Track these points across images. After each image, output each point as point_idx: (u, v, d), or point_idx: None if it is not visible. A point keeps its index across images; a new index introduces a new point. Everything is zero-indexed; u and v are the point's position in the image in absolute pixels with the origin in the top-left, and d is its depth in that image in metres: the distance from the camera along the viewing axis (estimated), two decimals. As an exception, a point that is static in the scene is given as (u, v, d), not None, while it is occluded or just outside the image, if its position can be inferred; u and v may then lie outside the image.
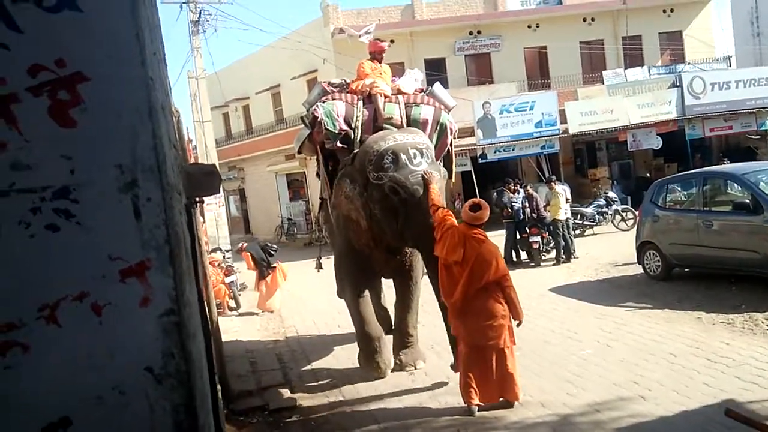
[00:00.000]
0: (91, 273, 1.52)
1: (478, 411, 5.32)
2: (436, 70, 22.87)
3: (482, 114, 19.52)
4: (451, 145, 7.36)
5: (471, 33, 23.52)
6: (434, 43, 22.61)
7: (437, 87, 7.46)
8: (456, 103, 7.66)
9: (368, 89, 6.89)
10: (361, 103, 6.87)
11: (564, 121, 19.92)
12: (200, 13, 17.16)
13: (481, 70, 23.50)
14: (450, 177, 7.25)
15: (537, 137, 19.82)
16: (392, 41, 22.52)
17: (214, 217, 16.62)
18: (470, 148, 19.70)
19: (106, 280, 1.53)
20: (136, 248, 1.54)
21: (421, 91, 7.29)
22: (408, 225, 5.99)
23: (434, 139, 6.84)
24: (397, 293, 7.17)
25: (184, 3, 16.99)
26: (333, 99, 6.93)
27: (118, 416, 1.52)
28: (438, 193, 5.87)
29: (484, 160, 19.76)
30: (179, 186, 1.78)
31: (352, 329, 7.38)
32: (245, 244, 12.16)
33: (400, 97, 6.94)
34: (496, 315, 5.25)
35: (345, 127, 6.73)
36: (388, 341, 7.04)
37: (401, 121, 6.72)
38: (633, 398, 5.32)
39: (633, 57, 24.21)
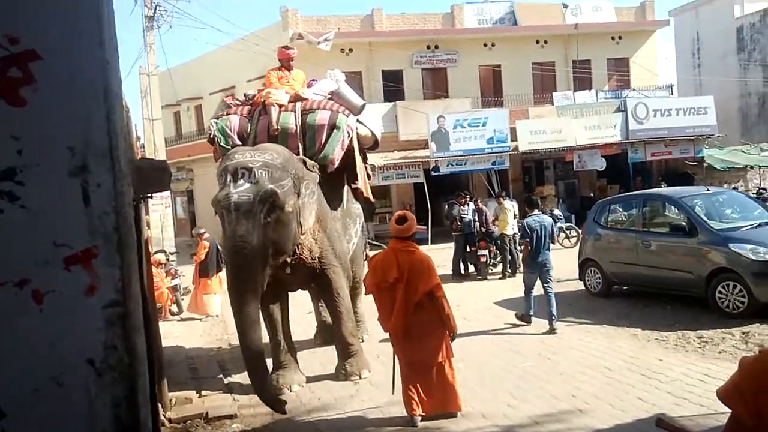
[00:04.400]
0: (33, 259, 1.45)
1: (421, 421, 5.33)
2: (393, 81, 23.05)
3: (436, 127, 19.76)
4: (358, 149, 7.19)
5: (428, 47, 23.82)
6: (392, 54, 22.78)
7: (343, 87, 7.35)
8: (364, 102, 7.39)
9: (263, 100, 6.85)
10: (257, 114, 6.81)
11: (515, 138, 20.35)
12: (155, 8, 16.79)
13: (437, 84, 23.80)
14: (354, 181, 7.12)
15: (488, 153, 20.17)
16: (351, 50, 22.65)
17: (159, 218, 16.19)
18: (423, 160, 19.90)
19: (49, 266, 1.46)
20: (83, 235, 1.48)
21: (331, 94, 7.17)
22: None
23: (333, 144, 6.68)
24: (325, 304, 7.17)
25: (139, -3, 16.60)
26: (228, 114, 6.91)
27: (55, 409, 1.45)
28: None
29: (436, 173, 19.97)
30: (129, 178, 1.73)
31: (299, 338, 7.31)
32: (206, 233, 11.58)
33: (298, 104, 6.82)
34: (431, 331, 5.22)
35: (238, 141, 6.67)
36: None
37: (296, 129, 6.64)
38: (571, 411, 5.44)
39: (582, 80, 24.99)
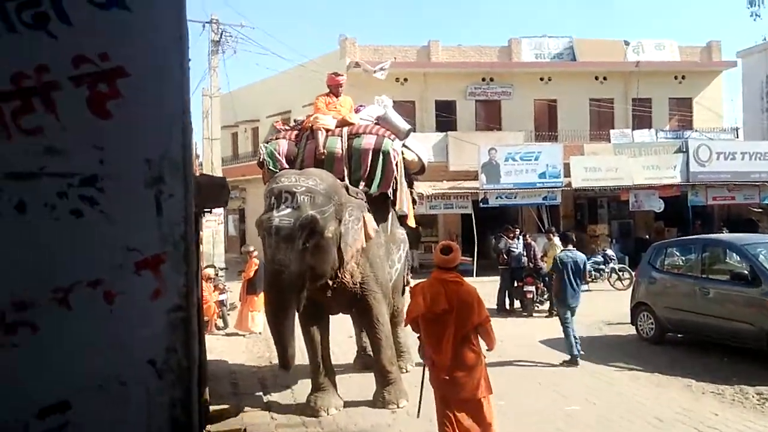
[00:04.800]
0: (108, 261, 1.55)
1: None
2: (446, 112, 23.18)
3: (487, 159, 19.70)
4: (404, 173, 7.24)
5: (484, 79, 23.91)
6: (447, 85, 22.97)
7: (389, 112, 7.45)
8: (410, 126, 7.53)
9: (311, 125, 6.98)
10: (305, 139, 6.95)
11: (568, 174, 20.08)
12: (221, 33, 17.49)
13: (490, 117, 23.81)
14: (396, 204, 7.12)
15: (540, 187, 19.95)
16: (405, 80, 22.95)
17: (212, 234, 16.63)
18: (472, 191, 19.82)
19: (121, 269, 1.56)
20: (154, 242, 1.58)
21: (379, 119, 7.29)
22: None
23: (377, 169, 6.79)
24: (365, 330, 7.19)
25: (207, 23, 17.35)
26: (277, 138, 7.10)
27: (116, 406, 1.53)
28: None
29: (485, 205, 19.85)
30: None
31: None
32: (256, 251, 11.81)
33: (344, 129, 6.94)
34: (472, 365, 5.06)
35: (286, 165, 6.82)
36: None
37: (342, 153, 6.76)
38: (616, 460, 5.26)
39: (641, 118, 24.56)
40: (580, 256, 8.91)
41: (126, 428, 1.54)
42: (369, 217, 6.42)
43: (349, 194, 6.27)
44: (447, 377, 5.08)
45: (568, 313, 8.71)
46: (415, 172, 8.21)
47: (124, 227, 1.57)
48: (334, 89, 7.49)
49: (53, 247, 1.54)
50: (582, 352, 8.56)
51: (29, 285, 1.52)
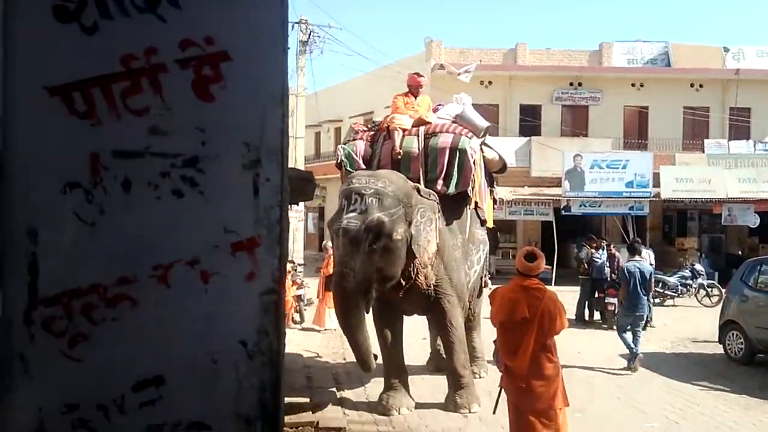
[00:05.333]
0: (205, 241, 1.58)
1: None
2: (530, 116, 22.74)
3: (572, 166, 19.16)
4: (485, 173, 7.12)
5: (571, 84, 23.27)
6: (532, 89, 22.51)
7: (467, 109, 7.32)
8: (489, 124, 7.40)
9: (387, 125, 6.92)
10: (381, 139, 6.91)
11: (657, 184, 19.24)
12: (310, 34, 17.88)
13: (576, 122, 23.15)
14: (476, 205, 7.02)
15: (626, 197, 19.21)
16: (490, 82, 22.67)
17: (292, 231, 17.02)
18: (555, 198, 19.34)
19: (218, 250, 1.59)
20: (250, 224, 1.60)
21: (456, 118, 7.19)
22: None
23: (454, 168, 6.67)
24: (438, 333, 7.09)
25: (296, 23, 17.77)
26: (354, 139, 7.10)
27: (207, 384, 1.56)
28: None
29: (567, 212, 19.32)
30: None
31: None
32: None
33: (421, 128, 6.87)
34: (549, 375, 4.93)
35: (363, 166, 6.84)
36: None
37: (418, 153, 6.69)
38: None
39: (739, 129, 23.20)
40: (647, 267, 9.30)
41: (215, 407, 1.56)
42: (441, 219, 6.35)
43: (420, 195, 6.20)
44: (523, 386, 4.96)
45: (628, 322, 9.01)
46: (496, 170, 8.07)
47: (221, 209, 1.60)
48: (414, 89, 7.46)
49: (155, 226, 1.59)
50: (640, 355, 8.77)
51: (131, 261, 1.58)
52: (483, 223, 7.79)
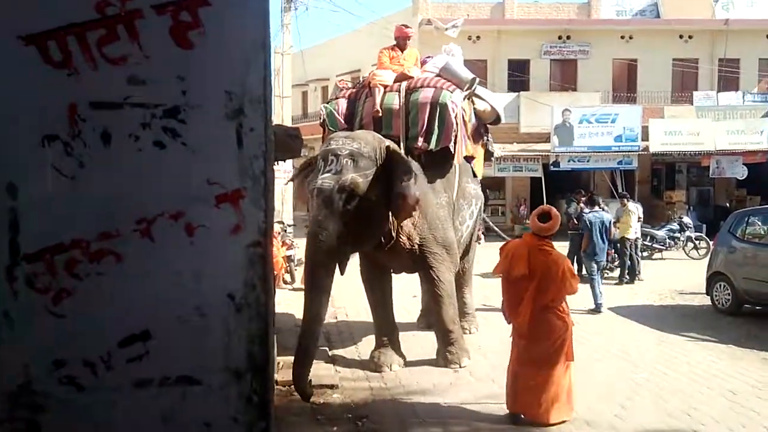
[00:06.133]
0: (189, 194, 1.55)
1: (520, 422, 5.14)
2: (519, 71, 22.50)
3: (561, 121, 19.08)
4: (471, 125, 6.94)
5: (560, 37, 22.98)
6: (521, 44, 22.22)
7: (451, 61, 7.09)
8: (474, 76, 7.08)
9: (369, 81, 6.74)
10: (364, 96, 6.72)
11: (645, 138, 19.24)
12: (294, -11, 17.44)
13: (565, 76, 22.95)
14: (455, 158, 6.70)
15: (615, 151, 19.22)
16: (478, 37, 22.34)
17: (281, 192, 16.93)
18: (543, 154, 19.32)
19: (202, 202, 1.55)
20: (234, 176, 1.56)
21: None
22: None
23: (435, 123, 6.45)
24: (427, 289, 7.09)
25: (279, -22, 17.32)
26: (337, 98, 6.91)
27: (195, 337, 1.55)
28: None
29: (555, 168, 19.33)
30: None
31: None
32: None
33: (403, 84, 6.64)
34: (558, 333, 4.93)
35: (345, 124, 6.64)
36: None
37: (399, 110, 6.48)
38: (685, 430, 5.08)
39: (728, 80, 23.11)
40: (606, 217, 10.34)
41: (204, 360, 1.55)
42: (420, 180, 6.20)
43: (399, 156, 6.03)
44: (524, 342, 5.01)
45: (595, 267, 9.87)
46: (489, 122, 7.96)
47: (205, 160, 1.56)
48: (402, 41, 7.21)
49: (136, 179, 1.54)
50: (601, 303, 9.48)
51: (114, 215, 1.54)
52: (476, 176, 7.73)
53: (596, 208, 10.59)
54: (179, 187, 1.55)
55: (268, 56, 1.56)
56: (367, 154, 5.71)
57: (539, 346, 4.96)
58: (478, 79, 7.27)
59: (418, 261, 6.49)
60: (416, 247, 6.35)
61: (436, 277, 6.48)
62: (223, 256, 1.56)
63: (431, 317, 7.70)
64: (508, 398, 5.16)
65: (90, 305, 1.54)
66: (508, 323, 5.19)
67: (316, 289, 5.66)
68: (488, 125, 8.06)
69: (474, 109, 7.33)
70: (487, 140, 8.23)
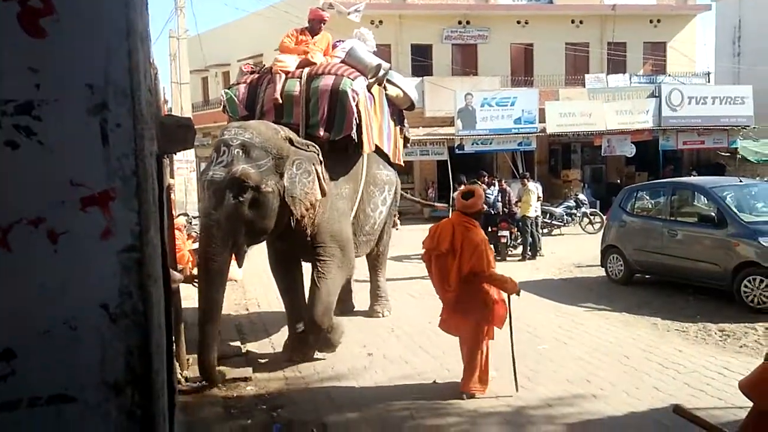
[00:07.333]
0: (50, 197, 1.39)
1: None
2: (422, 56, 22.77)
3: (464, 105, 19.52)
4: (393, 111, 7.02)
5: (460, 22, 23.44)
6: (423, 28, 22.46)
7: (357, 47, 7.00)
8: (380, 62, 6.98)
9: (271, 67, 6.61)
10: (266, 83, 6.56)
11: (543, 120, 20.05)
12: (187, -30, 16.71)
13: (466, 61, 23.46)
14: (364, 147, 6.65)
15: (515, 133, 19.91)
16: (381, 22, 22.36)
17: (184, 182, 16.34)
18: (448, 137, 19.70)
19: (65, 206, 1.41)
20: (100, 176, 1.42)
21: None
22: None
23: (336, 113, 6.32)
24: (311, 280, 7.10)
25: (171, -42, 16.55)
26: (239, 83, 6.74)
27: (67, 353, 1.42)
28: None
29: (461, 151, 19.78)
30: (152, 129, 1.66)
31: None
32: None
33: (305, 70, 6.50)
34: (473, 309, 5.25)
35: (246, 111, 6.52)
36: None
37: (299, 97, 6.37)
38: (585, 396, 5.38)
39: (616, 63, 24.45)
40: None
41: (78, 377, 1.42)
42: (321, 170, 6.05)
43: (295, 146, 5.89)
44: (445, 317, 5.41)
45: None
46: (404, 108, 7.94)
47: (66, 160, 1.41)
48: (315, 25, 6.99)
49: (-13, 182, 1.38)
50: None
51: (-38, 225, 1.38)
52: (390, 163, 7.71)
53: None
54: (37, 190, 1.39)
55: (133, 45, 1.43)
56: (260, 145, 5.55)
57: (462, 320, 5.32)
58: (387, 65, 7.19)
59: (310, 251, 6.38)
60: (310, 238, 6.27)
61: (321, 271, 6.32)
62: (93, 264, 1.43)
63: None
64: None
65: (-59, 326, 1.37)
66: (441, 300, 5.48)
67: (211, 278, 5.52)
68: (404, 111, 8.07)
69: (386, 95, 7.29)
70: (404, 126, 8.25)
